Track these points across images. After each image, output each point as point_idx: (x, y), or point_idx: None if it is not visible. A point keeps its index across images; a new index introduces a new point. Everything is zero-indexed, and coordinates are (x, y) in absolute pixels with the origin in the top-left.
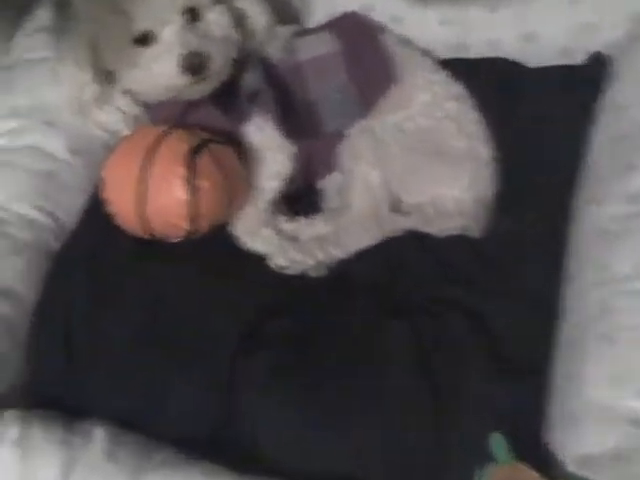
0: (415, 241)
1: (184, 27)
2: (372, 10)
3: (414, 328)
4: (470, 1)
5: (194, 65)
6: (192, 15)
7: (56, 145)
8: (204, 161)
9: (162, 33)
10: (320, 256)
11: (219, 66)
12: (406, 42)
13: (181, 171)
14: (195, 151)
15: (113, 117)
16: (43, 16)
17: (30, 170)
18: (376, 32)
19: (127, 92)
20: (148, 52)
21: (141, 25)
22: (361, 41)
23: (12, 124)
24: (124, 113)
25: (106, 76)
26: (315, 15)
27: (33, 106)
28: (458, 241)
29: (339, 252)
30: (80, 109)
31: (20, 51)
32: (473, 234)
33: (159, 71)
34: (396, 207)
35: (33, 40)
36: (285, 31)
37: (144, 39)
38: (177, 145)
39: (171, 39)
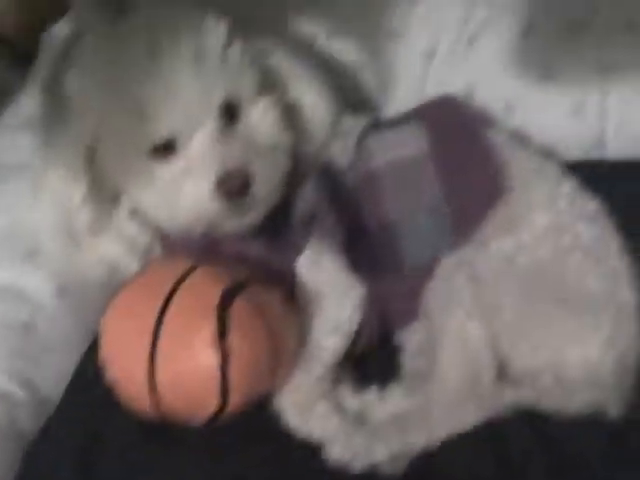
0: (528, 424)
1: (220, 133)
2: (475, 92)
3: None
4: (614, 80)
5: (234, 188)
6: (230, 113)
7: (36, 284)
8: (240, 310)
9: (191, 141)
10: (397, 444)
11: (267, 187)
12: (520, 138)
13: (208, 324)
14: (228, 296)
15: (115, 248)
16: (27, 105)
17: (1, 321)
18: (479, 124)
19: (135, 213)
20: (170, 166)
21: (163, 129)
22: (458, 138)
23: None
24: (130, 243)
25: (107, 193)
26: (397, 99)
27: (8, 230)
28: (589, 424)
29: (423, 439)
30: (70, 237)
31: None
32: (611, 413)
33: (186, 194)
34: (501, 373)
35: (11, 137)
36: (354, 124)
37: (165, 147)
38: (203, 287)
39: (203, 150)
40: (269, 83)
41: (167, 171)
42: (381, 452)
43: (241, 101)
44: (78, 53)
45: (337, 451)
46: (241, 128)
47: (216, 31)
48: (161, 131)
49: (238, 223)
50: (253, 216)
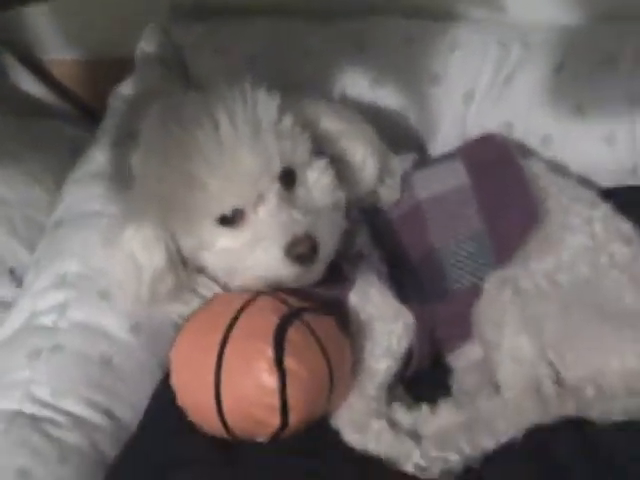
0: (574, 434)
1: (283, 201)
2: (512, 128)
3: None
4: None
5: (304, 252)
6: (288, 178)
7: (112, 321)
8: (297, 336)
9: (257, 212)
10: (468, 449)
11: (330, 247)
12: (558, 168)
13: (266, 349)
14: (285, 323)
15: (191, 305)
16: (98, 159)
17: (80, 355)
18: (517, 158)
19: (203, 271)
20: (239, 236)
21: (226, 202)
22: (497, 169)
23: (59, 297)
24: (202, 298)
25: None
26: (440, 139)
27: (84, 274)
28: (629, 430)
29: (492, 442)
30: (150, 302)
31: (69, 202)
32: None
33: (256, 262)
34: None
35: (85, 190)
36: (400, 164)
37: (233, 216)
38: (262, 315)
39: (270, 221)
40: (319, 143)
41: (236, 238)
42: (454, 457)
43: (297, 166)
44: (142, 132)
45: (414, 461)
46: (300, 191)
47: (269, 105)
48: (228, 203)
49: (304, 282)
50: (317, 274)
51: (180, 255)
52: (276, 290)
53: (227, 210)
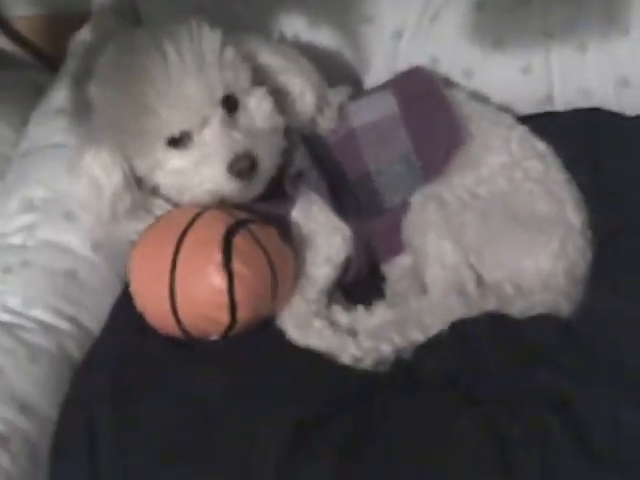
0: (494, 326)
1: (225, 123)
2: (438, 62)
3: (492, 426)
4: (556, 43)
5: (244, 169)
6: (230, 104)
7: (75, 240)
8: (243, 243)
9: (202, 134)
10: (399, 341)
11: (268, 165)
12: (479, 97)
13: (215, 254)
14: (232, 232)
15: (146, 223)
16: (59, 97)
17: (47, 269)
18: (442, 88)
19: (156, 192)
20: (187, 156)
21: (174, 126)
22: (423, 100)
23: (27, 219)
24: (156, 216)
25: (136, 180)
26: (373, 74)
27: (49, 198)
28: (543, 321)
29: (421, 335)
30: (110, 221)
31: (34, 136)
32: (562, 312)
33: (203, 179)
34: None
35: (48, 124)
36: (337, 96)
37: (181, 138)
38: (211, 225)
39: (214, 141)
40: (260, 76)
41: (185, 158)
42: (386, 348)
43: (238, 94)
44: (98, 66)
45: (350, 353)
46: (241, 116)
47: (212, 38)
48: (176, 127)
49: (246, 196)
50: (258, 189)
51: (135, 177)
52: (223, 205)
53: (176, 133)
